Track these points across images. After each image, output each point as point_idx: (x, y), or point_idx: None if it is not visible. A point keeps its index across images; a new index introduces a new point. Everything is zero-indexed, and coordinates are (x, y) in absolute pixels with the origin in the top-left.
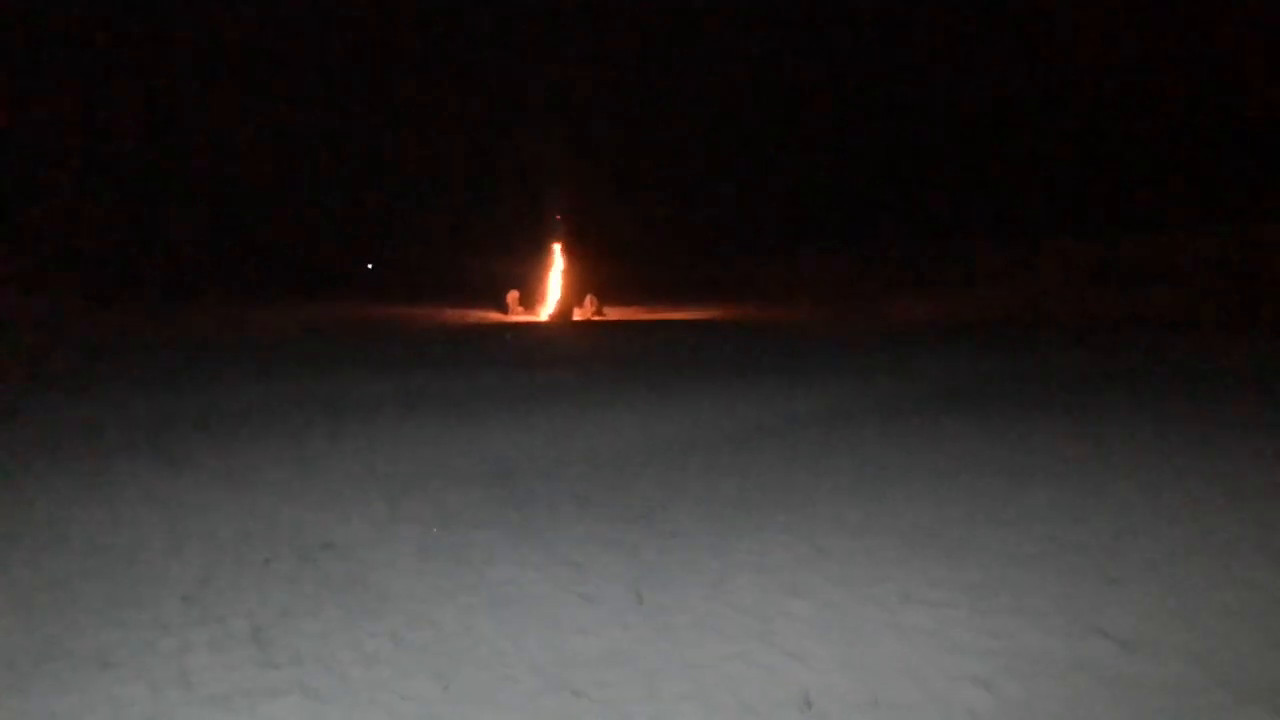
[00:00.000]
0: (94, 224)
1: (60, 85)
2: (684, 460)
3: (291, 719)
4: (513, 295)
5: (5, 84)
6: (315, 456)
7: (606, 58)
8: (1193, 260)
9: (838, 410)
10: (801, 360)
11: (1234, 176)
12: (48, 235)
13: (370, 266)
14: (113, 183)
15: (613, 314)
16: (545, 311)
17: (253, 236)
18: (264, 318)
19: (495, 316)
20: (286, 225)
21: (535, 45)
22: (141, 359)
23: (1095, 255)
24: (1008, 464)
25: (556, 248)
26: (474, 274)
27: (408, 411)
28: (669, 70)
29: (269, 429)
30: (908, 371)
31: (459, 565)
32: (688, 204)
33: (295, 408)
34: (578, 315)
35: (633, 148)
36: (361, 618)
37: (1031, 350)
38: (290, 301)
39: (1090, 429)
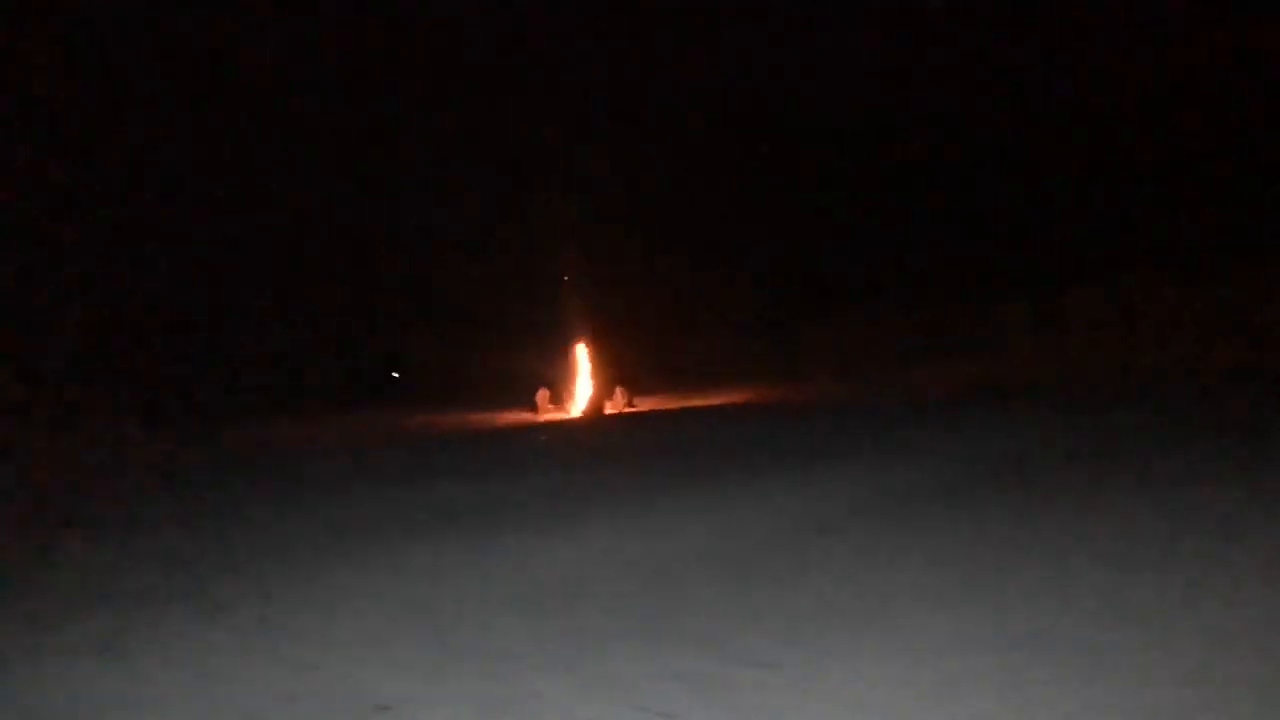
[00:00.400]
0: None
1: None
2: (745, 569)
3: None
4: (543, 394)
5: None
6: (349, 589)
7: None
8: (1256, 306)
9: (891, 493)
10: (845, 444)
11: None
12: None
13: (395, 375)
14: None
15: (643, 405)
16: (576, 408)
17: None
18: (293, 433)
19: (526, 416)
20: (299, 331)
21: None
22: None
23: (1124, 304)
24: (1107, 548)
25: (581, 344)
26: (494, 372)
27: (447, 527)
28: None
29: (299, 561)
30: (962, 449)
31: None
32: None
33: (331, 534)
34: (608, 409)
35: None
36: None
37: (1080, 413)
38: (314, 414)
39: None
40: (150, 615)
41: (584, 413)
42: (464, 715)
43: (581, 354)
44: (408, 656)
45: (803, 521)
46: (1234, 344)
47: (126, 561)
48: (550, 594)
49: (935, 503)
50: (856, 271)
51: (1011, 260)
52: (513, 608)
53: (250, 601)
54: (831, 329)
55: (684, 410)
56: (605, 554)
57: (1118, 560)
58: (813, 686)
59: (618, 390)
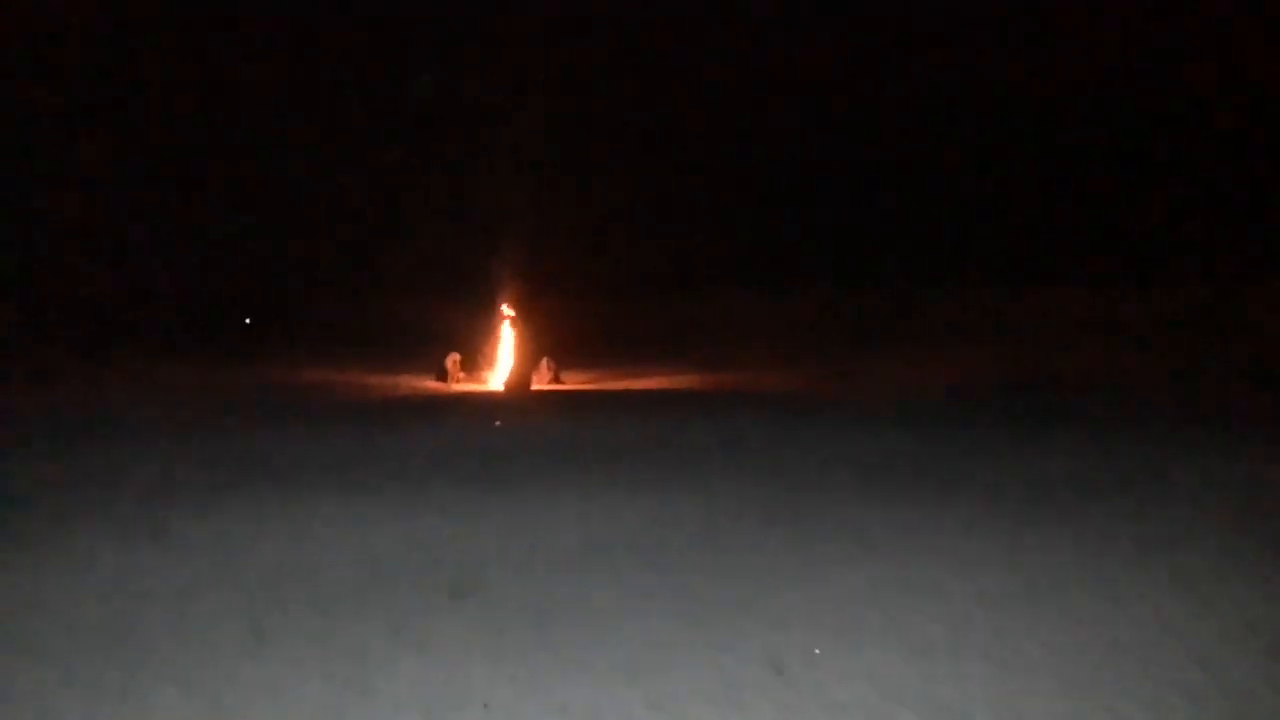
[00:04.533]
0: None
1: None
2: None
3: None
4: (453, 359)
5: None
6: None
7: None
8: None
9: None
10: (826, 449)
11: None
12: None
13: (248, 321)
14: None
15: (571, 381)
16: (496, 380)
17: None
18: (165, 383)
19: (433, 385)
20: (177, 269)
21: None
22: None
23: (1108, 303)
24: None
25: (506, 306)
26: (391, 324)
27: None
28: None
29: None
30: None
31: None
32: (644, 236)
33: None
34: (534, 384)
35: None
36: None
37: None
38: (185, 363)
39: None
40: None
41: (507, 386)
42: None
43: (506, 318)
44: None
45: (814, 563)
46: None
47: None
48: None
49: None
50: (807, 250)
51: (990, 250)
52: None
53: None
54: (788, 308)
55: (625, 394)
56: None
57: None
58: None
59: (544, 361)
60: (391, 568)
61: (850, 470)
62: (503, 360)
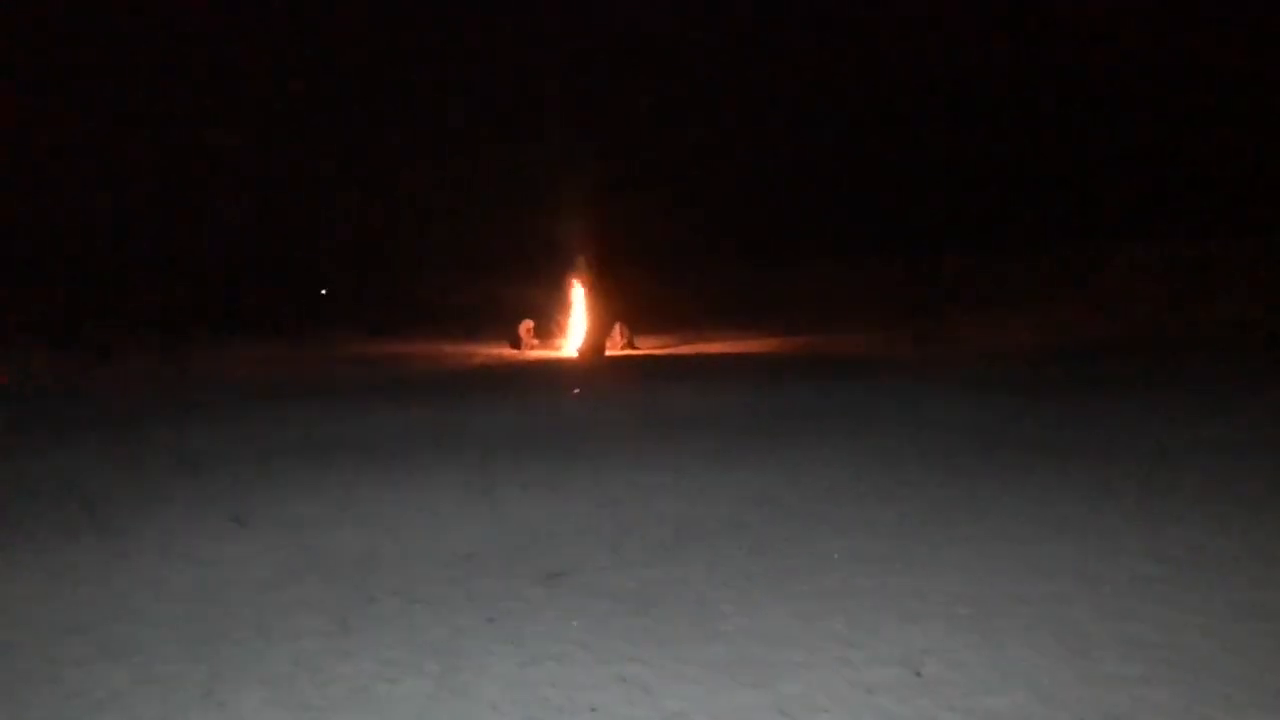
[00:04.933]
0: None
1: None
2: None
3: None
4: (526, 326)
5: None
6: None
7: (633, 45)
8: None
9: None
10: (920, 412)
11: None
12: None
13: (324, 293)
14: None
15: (645, 346)
16: (570, 346)
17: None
18: (230, 362)
19: (508, 353)
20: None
21: (546, 33)
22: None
23: (1178, 256)
24: None
25: (579, 273)
26: (469, 298)
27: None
28: (705, 62)
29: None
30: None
31: None
32: (713, 206)
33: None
34: (608, 350)
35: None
36: None
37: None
38: (255, 339)
39: None
40: None
41: (581, 353)
42: None
43: (578, 284)
44: None
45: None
46: None
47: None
48: None
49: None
50: (886, 216)
51: (1048, 211)
52: None
53: None
54: (865, 271)
55: (704, 359)
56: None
57: None
58: None
59: (617, 327)
60: (483, 551)
61: (958, 438)
62: (576, 326)
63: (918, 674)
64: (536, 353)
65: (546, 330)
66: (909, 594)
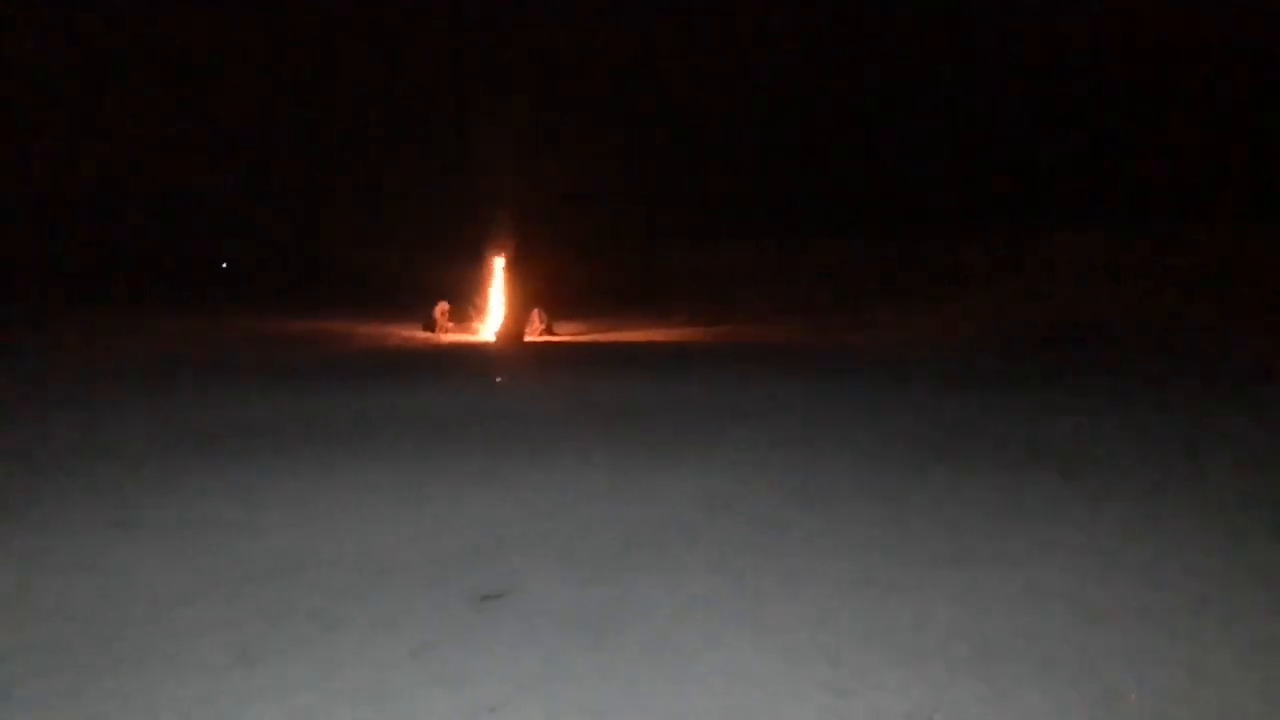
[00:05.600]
0: None
1: None
2: None
3: None
4: (441, 308)
5: None
6: None
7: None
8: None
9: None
10: (874, 412)
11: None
12: None
13: (225, 266)
14: None
15: (563, 332)
16: (487, 330)
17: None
18: (121, 337)
19: (421, 335)
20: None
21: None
22: None
23: (1102, 250)
24: None
25: (499, 255)
26: (377, 273)
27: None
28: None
29: None
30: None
31: None
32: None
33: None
34: (527, 335)
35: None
36: None
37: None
38: (154, 313)
39: None
40: None
41: (498, 337)
42: None
43: (498, 267)
44: None
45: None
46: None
47: None
48: None
49: None
50: (805, 199)
51: (974, 199)
52: None
53: None
54: (759, 254)
55: (623, 346)
56: None
57: None
58: None
59: (534, 312)
60: (411, 562)
61: (915, 438)
62: (493, 310)
63: None
64: (451, 336)
65: (463, 313)
66: (891, 627)
